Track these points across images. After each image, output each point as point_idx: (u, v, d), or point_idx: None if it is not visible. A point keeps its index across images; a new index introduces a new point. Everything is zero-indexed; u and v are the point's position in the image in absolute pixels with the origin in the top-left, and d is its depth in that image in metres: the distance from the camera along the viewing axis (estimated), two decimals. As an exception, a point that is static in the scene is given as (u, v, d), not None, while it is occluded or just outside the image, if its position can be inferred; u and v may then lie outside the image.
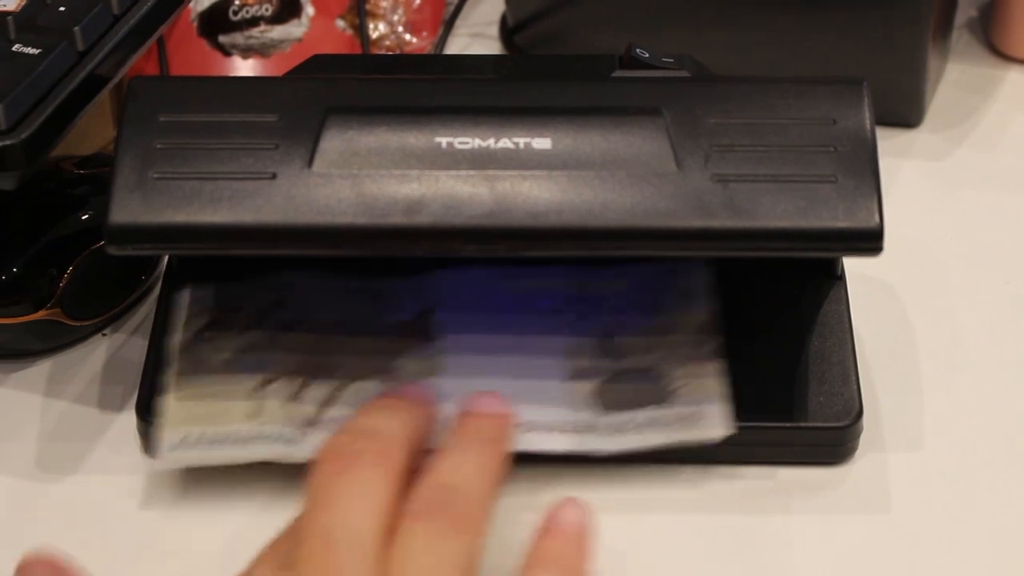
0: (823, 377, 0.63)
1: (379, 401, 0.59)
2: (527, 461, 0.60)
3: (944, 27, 0.79)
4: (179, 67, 0.79)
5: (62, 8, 0.63)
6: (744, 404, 0.62)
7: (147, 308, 0.70)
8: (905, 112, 0.78)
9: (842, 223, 0.58)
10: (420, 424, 0.58)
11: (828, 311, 0.65)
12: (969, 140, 0.78)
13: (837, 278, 0.67)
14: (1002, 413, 0.65)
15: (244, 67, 0.80)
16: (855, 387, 0.63)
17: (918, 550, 0.61)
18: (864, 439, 0.63)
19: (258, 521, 0.61)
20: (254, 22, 0.81)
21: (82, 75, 0.62)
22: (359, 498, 0.53)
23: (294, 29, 0.81)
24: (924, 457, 0.64)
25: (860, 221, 0.58)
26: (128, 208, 0.59)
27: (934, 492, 0.63)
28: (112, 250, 0.59)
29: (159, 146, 0.60)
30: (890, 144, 0.76)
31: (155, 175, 0.59)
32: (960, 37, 0.83)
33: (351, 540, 0.52)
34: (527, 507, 0.60)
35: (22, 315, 0.66)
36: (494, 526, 0.56)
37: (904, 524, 0.61)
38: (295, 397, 0.62)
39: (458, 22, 0.85)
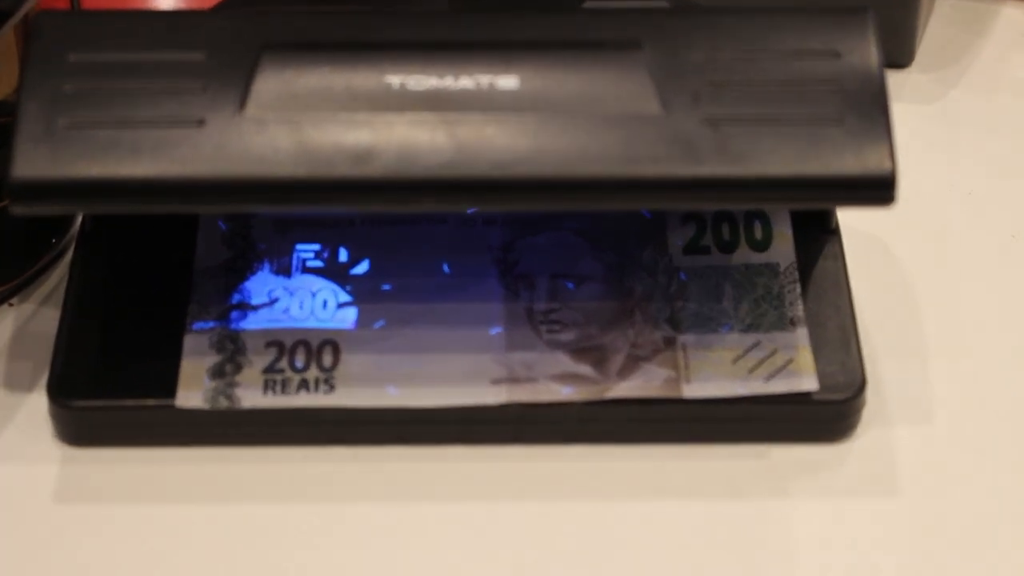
0: (819, 343, 0.62)
1: None
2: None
3: (935, -44, 0.79)
4: (92, 0, 0.76)
5: (-47, -69, 0.62)
6: (732, 374, 0.63)
7: (59, 275, 0.69)
8: (894, 51, 0.76)
9: (851, 169, 0.57)
10: None
11: (823, 269, 0.64)
12: (964, 81, 0.78)
13: (831, 232, 0.65)
14: (1016, 379, 0.64)
15: (164, 1, 0.80)
16: (856, 355, 0.62)
17: (930, 534, 0.60)
18: (866, 412, 0.62)
19: (179, 513, 0.60)
20: (175, -50, 0.79)
21: (-22, 9, 0.61)
22: None
23: (221, -42, 0.82)
24: (933, 431, 0.63)
25: (871, 167, 0.57)
26: (34, 161, 0.58)
27: (945, 469, 0.62)
28: (17, 209, 0.58)
29: (69, 89, 0.59)
30: (878, 86, 0.78)
31: (65, 123, 0.58)
32: (950, -33, 0.85)
33: None
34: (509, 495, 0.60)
35: (-87, 285, 0.66)
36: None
37: (914, 505, 0.60)
38: None
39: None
